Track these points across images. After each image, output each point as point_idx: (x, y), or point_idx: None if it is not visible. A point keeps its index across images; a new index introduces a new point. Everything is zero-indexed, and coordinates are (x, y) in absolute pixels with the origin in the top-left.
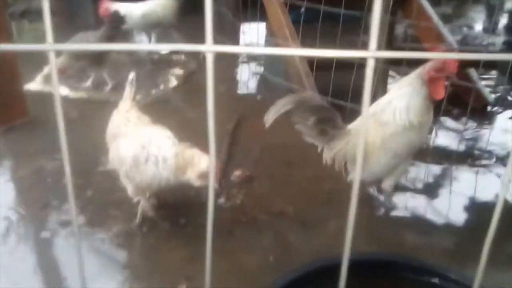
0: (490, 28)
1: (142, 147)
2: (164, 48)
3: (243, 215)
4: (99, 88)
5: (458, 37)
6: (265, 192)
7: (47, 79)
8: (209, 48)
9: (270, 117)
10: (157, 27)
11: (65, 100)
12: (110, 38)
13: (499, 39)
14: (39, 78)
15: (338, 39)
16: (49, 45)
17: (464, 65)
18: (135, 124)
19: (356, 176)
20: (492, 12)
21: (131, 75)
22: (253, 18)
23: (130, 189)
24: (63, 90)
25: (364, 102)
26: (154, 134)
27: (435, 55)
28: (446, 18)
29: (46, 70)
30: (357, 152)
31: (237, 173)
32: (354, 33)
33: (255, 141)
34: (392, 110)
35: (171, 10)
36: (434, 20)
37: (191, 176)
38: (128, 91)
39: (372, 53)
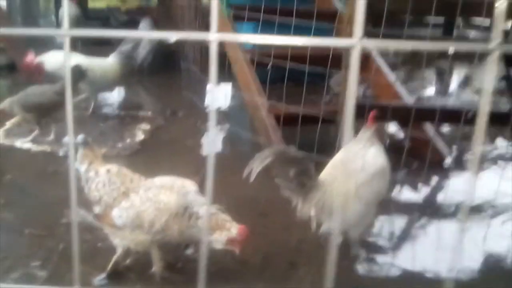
0: (442, 90)
1: (183, 197)
2: (171, 36)
3: (213, 265)
4: (62, 142)
5: (413, 97)
6: None
7: (8, 134)
8: (213, 36)
9: (253, 171)
10: (99, 86)
11: (27, 153)
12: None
13: (450, 100)
14: (0, 133)
15: (303, 98)
16: (65, 30)
17: (421, 119)
18: (138, 178)
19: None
20: (443, 76)
21: (79, 137)
22: (220, 76)
23: (135, 241)
24: (25, 144)
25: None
26: (186, 185)
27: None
28: (401, 80)
29: (8, 124)
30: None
31: None
32: (318, 92)
33: (223, 194)
34: (362, 158)
35: (113, 71)
36: (391, 79)
37: (219, 239)
38: (86, 153)
39: (357, 40)
